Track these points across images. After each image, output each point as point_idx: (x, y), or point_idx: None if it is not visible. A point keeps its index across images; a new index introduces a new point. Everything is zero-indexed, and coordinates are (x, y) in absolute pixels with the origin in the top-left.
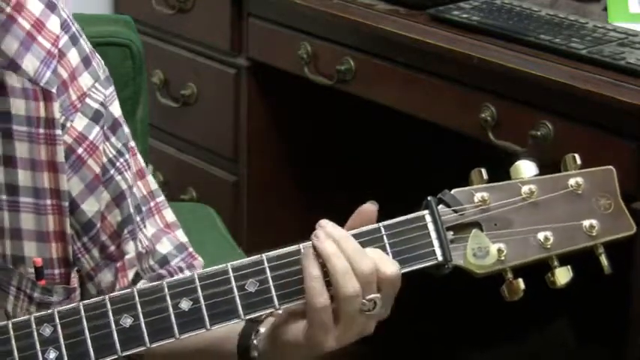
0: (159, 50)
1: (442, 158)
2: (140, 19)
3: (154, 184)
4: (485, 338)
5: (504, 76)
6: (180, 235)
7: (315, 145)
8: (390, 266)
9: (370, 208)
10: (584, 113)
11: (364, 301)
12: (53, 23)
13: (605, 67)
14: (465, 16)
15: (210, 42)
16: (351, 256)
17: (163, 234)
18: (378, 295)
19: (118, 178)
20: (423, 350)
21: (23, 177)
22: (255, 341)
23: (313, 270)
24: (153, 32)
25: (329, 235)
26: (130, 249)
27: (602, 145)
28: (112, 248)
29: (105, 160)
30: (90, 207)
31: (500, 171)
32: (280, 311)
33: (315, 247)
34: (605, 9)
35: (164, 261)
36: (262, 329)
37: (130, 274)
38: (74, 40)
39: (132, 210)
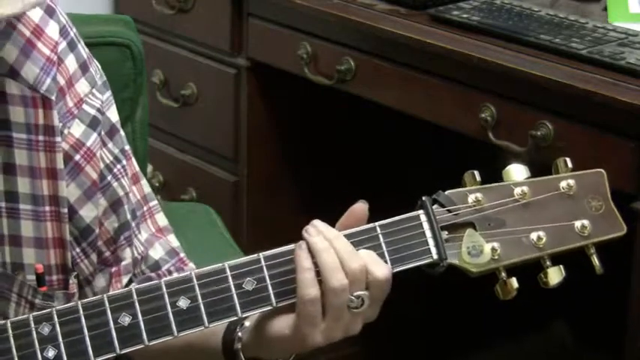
0: (159, 50)
1: (442, 158)
2: (140, 19)
3: (147, 188)
4: (484, 339)
5: (504, 76)
6: (172, 240)
7: (315, 145)
8: (381, 269)
9: (361, 207)
10: (584, 113)
11: (352, 297)
12: (52, 29)
13: (605, 67)
14: (465, 16)
15: (210, 42)
16: (341, 252)
17: (156, 239)
18: (366, 292)
19: (115, 184)
20: (420, 351)
21: (22, 184)
22: (239, 333)
23: (305, 262)
24: (153, 32)
25: (320, 231)
26: (127, 255)
27: (602, 145)
28: (108, 254)
29: (102, 166)
30: (88, 213)
31: (500, 171)
32: None
33: (307, 242)
34: (605, 9)
35: (156, 266)
36: (247, 323)
37: (124, 280)
38: (72, 46)
39: (129, 216)
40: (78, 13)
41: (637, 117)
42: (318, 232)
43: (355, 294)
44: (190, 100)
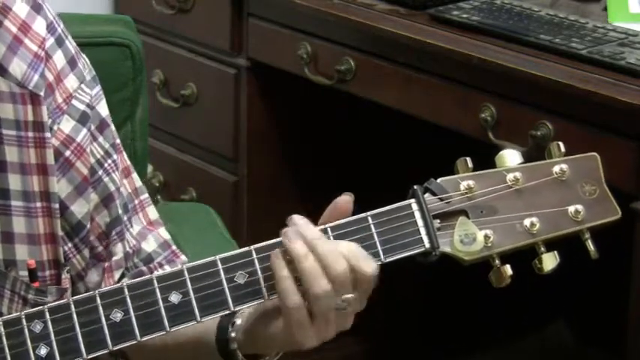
0: (159, 50)
1: (442, 158)
2: (140, 19)
3: (138, 182)
4: (482, 336)
5: (504, 76)
6: (163, 233)
7: (315, 145)
8: (368, 264)
9: (346, 200)
10: (584, 113)
11: (338, 301)
12: (39, 25)
13: (605, 67)
14: (465, 16)
15: (210, 42)
16: (322, 257)
17: (148, 231)
18: (352, 295)
19: (107, 179)
20: (418, 348)
21: (13, 181)
22: (232, 334)
23: (282, 271)
24: (153, 32)
25: (299, 234)
26: (118, 250)
27: (602, 145)
28: (100, 249)
29: (93, 161)
30: (79, 208)
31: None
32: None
33: (285, 247)
34: (605, 9)
35: (149, 259)
36: (238, 321)
37: (117, 275)
38: (60, 42)
39: (120, 211)
40: (78, 13)
41: (637, 117)
42: (296, 235)
43: (342, 298)
44: (190, 100)
